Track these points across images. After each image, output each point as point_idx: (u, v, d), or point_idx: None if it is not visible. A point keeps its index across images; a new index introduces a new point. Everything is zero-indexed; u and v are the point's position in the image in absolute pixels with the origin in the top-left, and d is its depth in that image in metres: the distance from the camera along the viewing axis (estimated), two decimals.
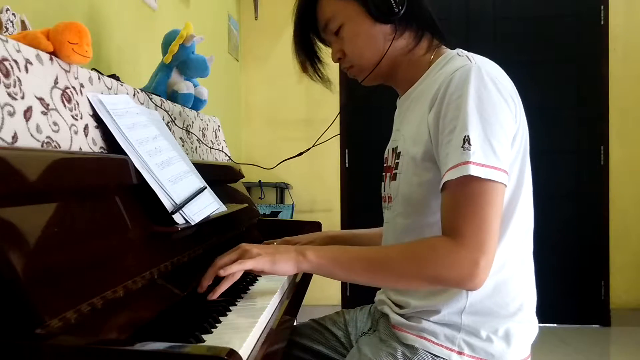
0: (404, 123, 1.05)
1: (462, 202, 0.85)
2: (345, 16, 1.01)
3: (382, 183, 1.12)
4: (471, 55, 0.97)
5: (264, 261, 0.89)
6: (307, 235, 1.32)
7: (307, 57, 1.12)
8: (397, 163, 1.02)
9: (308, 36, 1.10)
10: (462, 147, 0.84)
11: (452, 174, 0.85)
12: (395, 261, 0.89)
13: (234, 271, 0.87)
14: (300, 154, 1.29)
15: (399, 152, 1.03)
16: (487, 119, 0.86)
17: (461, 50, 1.01)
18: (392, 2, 0.96)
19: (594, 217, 3.32)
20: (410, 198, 0.99)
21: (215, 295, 0.87)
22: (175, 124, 1.30)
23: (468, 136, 0.85)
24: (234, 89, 3.31)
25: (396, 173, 1.03)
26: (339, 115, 1.36)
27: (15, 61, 0.72)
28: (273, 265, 0.89)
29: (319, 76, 1.14)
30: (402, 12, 0.97)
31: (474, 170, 0.83)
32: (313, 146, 1.26)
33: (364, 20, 1.00)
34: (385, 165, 1.12)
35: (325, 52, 1.13)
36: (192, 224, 0.95)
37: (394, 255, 0.90)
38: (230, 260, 0.90)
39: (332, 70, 1.16)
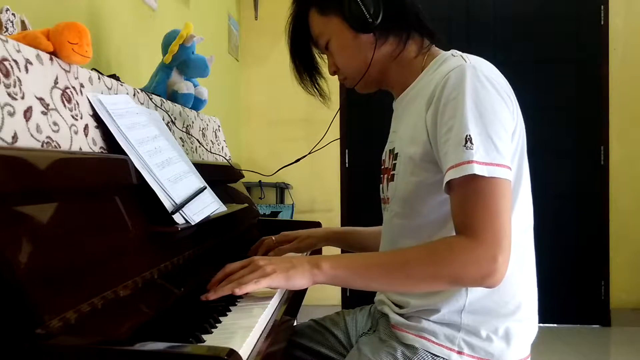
0: (401, 124, 1.06)
1: (472, 201, 0.85)
2: (330, 31, 1.05)
3: (381, 185, 1.12)
4: (465, 55, 0.97)
5: (279, 279, 0.87)
6: (306, 230, 1.31)
7: (307, 73, 1.14)
8: (395, 164, 1.03)
9: (308, 52, 1.12)
10: (464, 146, 0.84)
11: (454, 172, 0.85)
12: (413, 264, 0.87)
13: (250, 291, 0.86)
14: (298, 160, 1.30)
15: (396, 154, 1.03)
16: (486, 116, 0.86)
17: (455, 50, 1.02)
18: (366, 13, 0.98)
19: (594, 217, 3.32)
20: (407, 198, 0.99)
21: (217, 295, 0.86)
22: (175, 124, 1.30)
23: (469, 135, 0.85)
24: (234, 89, 3.31)
25: (394, 174, 1.03)
26: (338, 117, 1.36)
27: (15, 61, 0.72)
28: (288, 282, 0.88)
29: (317, 90, 1.16)
30: (378, 21, 0.99)
31: (477, 169, 0.83)
32: (310, 153, 1.27)
33: (347, 32, 1.03)
34: (382, 167, 1.12)
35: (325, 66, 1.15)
36: (192, 224, 0.95)
37: (411, 258, 0.88)
38: (239, 269, 0.89)
39: (332, 79, 1.16)
